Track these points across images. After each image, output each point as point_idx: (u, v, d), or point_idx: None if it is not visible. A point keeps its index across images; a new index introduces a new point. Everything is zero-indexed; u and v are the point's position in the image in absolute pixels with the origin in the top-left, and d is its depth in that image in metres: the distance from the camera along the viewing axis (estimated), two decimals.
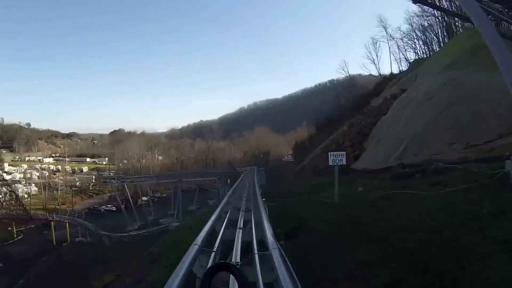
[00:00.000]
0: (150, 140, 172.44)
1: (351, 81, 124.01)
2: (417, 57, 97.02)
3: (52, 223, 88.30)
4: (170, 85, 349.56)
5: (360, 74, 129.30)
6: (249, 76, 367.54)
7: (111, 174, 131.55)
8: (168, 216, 77.79)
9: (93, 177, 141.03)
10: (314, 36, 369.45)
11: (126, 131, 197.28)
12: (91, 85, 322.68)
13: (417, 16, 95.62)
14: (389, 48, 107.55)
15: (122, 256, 51.64)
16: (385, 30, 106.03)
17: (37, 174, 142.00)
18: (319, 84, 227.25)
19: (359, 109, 78.15)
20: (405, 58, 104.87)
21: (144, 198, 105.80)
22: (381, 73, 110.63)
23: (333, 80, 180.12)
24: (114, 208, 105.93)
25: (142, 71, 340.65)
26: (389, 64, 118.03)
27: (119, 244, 68.46)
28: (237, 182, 25.03)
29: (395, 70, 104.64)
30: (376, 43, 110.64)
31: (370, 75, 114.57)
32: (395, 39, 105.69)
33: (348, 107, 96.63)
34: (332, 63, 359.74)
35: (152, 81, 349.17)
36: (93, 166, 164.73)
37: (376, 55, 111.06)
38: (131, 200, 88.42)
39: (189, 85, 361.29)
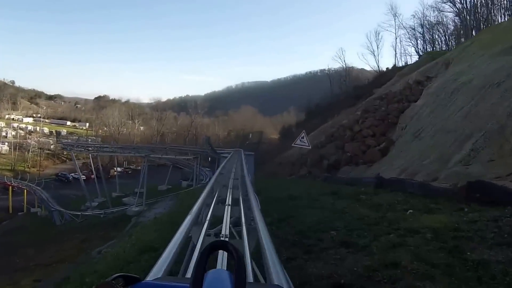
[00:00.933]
0: (133, 110, 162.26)
1: (347, 70, 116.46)
2: (416, 54, 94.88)
3: (10, 187, 79.16)
4: (160, 57, 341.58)
5: (353, 66, 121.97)
6: (240, 57, 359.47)
7: (88, 139, 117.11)
8: (133, 195, 64.77)
9: (51, 141, 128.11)
10: (311, 24, 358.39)
11: (110, 98, 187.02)
12: (81, 50, 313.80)
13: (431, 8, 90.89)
14: (396, 38, 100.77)
15: (61, 245, 41.25)
16: (395, 18, 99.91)
17: (13, 133, 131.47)
18: (310, 72, 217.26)
19: (358, 98, 71.25)
20: (416, 51, 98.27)
21: (119, 169, 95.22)
22: (379, 65, 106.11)
23: (324, 69, 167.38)
24: (84, 177, 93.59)
25: (134, 42, 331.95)
26: (392, 56, 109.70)
27: (68, 226, 56.34)
28: (212, 179, 13.04)
29: (395, 63, 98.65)
30: (378, 33, 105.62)
31: (363, 69, 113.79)
32: (406, 28, 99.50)
33: (344, 95, 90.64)
34: (325, 54, 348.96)
35: (143, 52, 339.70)
36: (72, 130, 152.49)
37: (377, 46, 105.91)
38: (101, 170, 77.60)
39: (179, 60, 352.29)
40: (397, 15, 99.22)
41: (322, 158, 41.69)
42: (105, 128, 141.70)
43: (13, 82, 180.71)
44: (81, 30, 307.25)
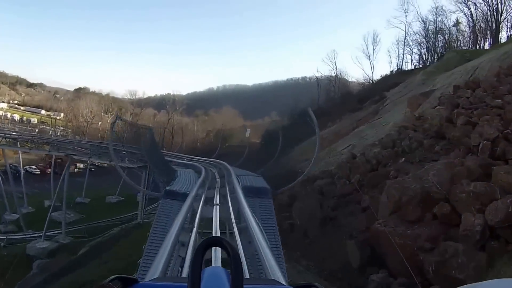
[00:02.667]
0: (112, 103, 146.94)
1: (338, 75, 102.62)
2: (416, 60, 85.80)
3: None
4: (144, 54, 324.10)
5: (342, 76, 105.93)
6: (223, 58, 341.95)
7: (58, 131, 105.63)
8: (72, 207, 47.27)
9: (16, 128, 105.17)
10: (296, 29, 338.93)
11: (91, 90, 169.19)
12: (68, 40, 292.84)
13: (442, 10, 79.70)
14: (405, 37, 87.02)
15: None
16: (406, 14, 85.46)
17: None
18: (291, 79, 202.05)
19: (363, 102, 59.88)
20: (419, 55, 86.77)
21: (81, 165, 75.74)
22: (373, 70, 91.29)
23: (305, 77, 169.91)
24: (37, 171, 74.32)
25: (120, 37, 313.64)
26: (387, 62, 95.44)
27: None
28: None
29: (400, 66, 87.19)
30: (376, 36, 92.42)
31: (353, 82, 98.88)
32: (424, 20, 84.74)
33: (339, 100, 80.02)
34: (308, 61, 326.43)
35: (128, 47, 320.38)
36: (45, 119, 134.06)
37: (373, 50, 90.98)
38: (53, 164, 58.01)
39: (164, 58, 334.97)
40: (407, 12, 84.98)
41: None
42: (80, 119, 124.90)
43: None
44: (69, 20, 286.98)
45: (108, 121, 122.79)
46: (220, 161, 33.25)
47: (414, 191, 16.14)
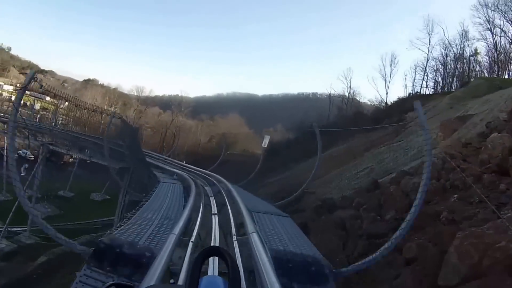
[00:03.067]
0: (117, 98, 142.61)
1: (352, 92, 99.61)
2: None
3: None
4: (157, 52, 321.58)
5: (354, 97, 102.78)
6: (235, 66, 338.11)
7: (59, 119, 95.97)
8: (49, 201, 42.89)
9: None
10: (312, 44, 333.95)
11: (99, 83, 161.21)
12: (84, 32, 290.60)
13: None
14: (428, 60, 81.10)
15: None
16: (430, 37, 79.91)
17: None
18: (302, 94, 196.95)
19: (377, 122, 55.57)
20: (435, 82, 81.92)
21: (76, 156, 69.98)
22: (388, 93, 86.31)
23: (316, 93, 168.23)
24: (31, 157, 70.43)
25: (135, 33, 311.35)
26: (410, 81, 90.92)
27: None
28: None
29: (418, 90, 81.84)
30: (395, 58, 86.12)
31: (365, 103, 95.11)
32: (445, 46, 79.32)
33: (350, 118, 76.06)
34: (320, 77, 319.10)
35: (142, 44, 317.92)
36: (49, 106, 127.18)
37: (390, 72, 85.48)
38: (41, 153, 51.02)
39: (175, 59, 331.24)
40: (431, 33, 79.70)
41: None
42: (78, 109, 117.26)
43: (9, 48, 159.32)
44: (88, 14, 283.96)
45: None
46: (219, 177, 27.64)
47: (503, 252, 10.37)
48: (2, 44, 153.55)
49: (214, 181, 27.03)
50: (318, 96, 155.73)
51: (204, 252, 1.60)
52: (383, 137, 44.34)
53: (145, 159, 35.30)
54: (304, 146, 57.24)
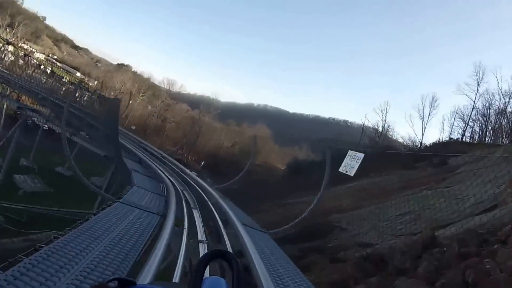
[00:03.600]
0: (148, 88, 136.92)
1: (387, 126, 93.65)
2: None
3: None
4: (197, 51, 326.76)
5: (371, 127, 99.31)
6: (271, 80, 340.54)
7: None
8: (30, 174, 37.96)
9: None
10: (351, 72, 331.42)
11: (132, 70, 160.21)
12: (124, 17, 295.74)
13: None
14: (473, 107, 75.94)
15: None
16: (478, 85, 74.21)
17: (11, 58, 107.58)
18: (333, 119, 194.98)
19: (416, 161, 51.61)
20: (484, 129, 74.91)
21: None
22: (423, 133, 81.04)
23: (347, 121, 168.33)
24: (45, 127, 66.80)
25: (178, 29, 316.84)
26: (447, 126, 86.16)
27: None
28: None
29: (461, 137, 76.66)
30: (435, 100, 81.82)
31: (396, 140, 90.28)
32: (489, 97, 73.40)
33: (383, 151, 67.71)
34: (355, 106, 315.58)
35: (182, 39, 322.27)
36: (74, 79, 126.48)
37: (429, 113, 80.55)
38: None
39: (213, 60, 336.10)
40: (480, 81, 73.40)
41: None
42: (112, 93, 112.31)
43: (44, 18, 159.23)
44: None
45: (138, 101, 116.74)
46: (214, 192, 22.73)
47: None
48: (37, 12, 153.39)
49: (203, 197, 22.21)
50: (349, 124, 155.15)
51: (208, 254, 1.58)
52: (423, 178, 39.53)
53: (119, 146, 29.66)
54: (332, 172, 51.79)
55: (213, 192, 22.13)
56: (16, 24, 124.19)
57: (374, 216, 27.71)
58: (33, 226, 24.98)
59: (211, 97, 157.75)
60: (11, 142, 35.37)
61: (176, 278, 8.42)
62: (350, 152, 17.11)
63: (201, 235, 12.88)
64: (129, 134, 48.37)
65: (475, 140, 70.13)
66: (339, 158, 21.81)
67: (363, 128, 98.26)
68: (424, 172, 41.52)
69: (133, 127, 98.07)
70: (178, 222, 13.55)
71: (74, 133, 34.95)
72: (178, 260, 9.48)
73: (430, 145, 71.70)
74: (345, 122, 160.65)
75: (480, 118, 73.78)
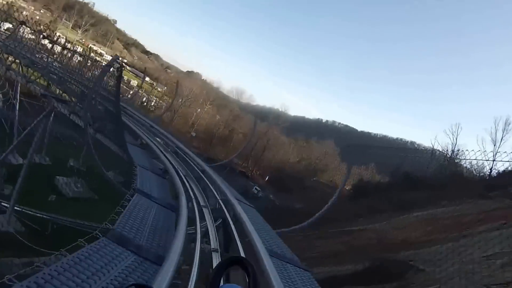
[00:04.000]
0: (216, 97, 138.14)
1: (457, 150, 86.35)
2: None
3: None
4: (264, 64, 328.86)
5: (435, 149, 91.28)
6: (340, 95, 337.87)
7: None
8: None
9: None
10: (420, 92, 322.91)
11: (202, 78, 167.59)
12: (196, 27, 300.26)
13: None
14: None
15: None
16: None
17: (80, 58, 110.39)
18: (401, 139, 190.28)
19: (491, 190, 44.85)
20: None
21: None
22: (495, 159, 75.07)
23: (414, 142, 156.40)
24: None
25: (250, 41, 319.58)
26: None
27: None
28: None
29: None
30: (509, 123, 74.57)
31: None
32: None
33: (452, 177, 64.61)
34: (423, 128, 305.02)
35: (256, 51, 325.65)
36: (146, 86, 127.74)
37: (501, 137, 73.63)
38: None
39: (281, 74, 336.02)
40: None
41: None
42: (180, 101, 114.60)
43: (115, 21, 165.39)
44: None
45: (205, 109, 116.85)
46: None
47: None
48: (108, 15, 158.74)
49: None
50: (416, 146, 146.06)
51: (227, 261, 1.59)
52: (500, 210, 35.90)
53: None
54: (398, 195, 51.00)
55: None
56: (83, 23, 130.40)
57: (455, 255, 24.24)
58: (56, 241, 21.97)
59: (280, 110, 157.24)
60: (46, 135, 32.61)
61: None
62: None
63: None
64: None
65: None
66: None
67: (432, 151, 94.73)
68: (500, 203, 38.23)
69: (193, 134, 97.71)
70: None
71: (100, 129, 27.68)
72: None
73: (503, 172, 66.80)
74: (413, 143, 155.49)
75: None
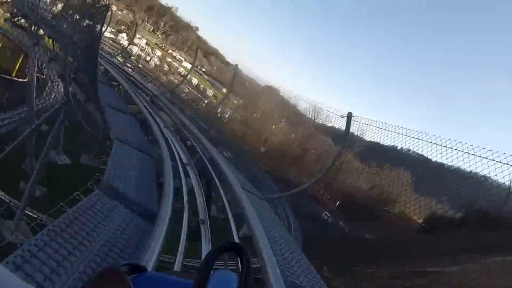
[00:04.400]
0: (292, 113, 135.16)
1: None
2: None
3: None
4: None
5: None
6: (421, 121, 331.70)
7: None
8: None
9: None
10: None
11: (281, 94, 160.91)
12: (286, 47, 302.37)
13: None
14: None
15: None
16: None
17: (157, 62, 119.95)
18: (476, 173, 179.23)
19: None
20: None
21: None
22: None
23: (489, 177, 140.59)
24: None
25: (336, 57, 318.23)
26: None
27: None
28: None
29: None
30: None
31: None
32: None
33: None
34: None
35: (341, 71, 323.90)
36: (220, 95, 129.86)
37: None
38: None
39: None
40: None
41: None
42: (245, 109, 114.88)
43: (197, 28, 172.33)
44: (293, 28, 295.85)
45: (280, 126, 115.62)
46: None
47: None
48: (190, 21, 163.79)
49: None
50: (489, 181, 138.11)
51: (219, 248, 1.54)
52: None
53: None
54: (474, 236, 43.97)
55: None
56: (162, 24, 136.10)
57: None
58: None
59: (355, 134, 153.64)
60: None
61: None
62: None
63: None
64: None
65: None
66: None
67: (510, 188, 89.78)
68: None
69: (262, 149, 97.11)
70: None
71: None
72: None
73: None
74: (485, 177, 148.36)
75: None
